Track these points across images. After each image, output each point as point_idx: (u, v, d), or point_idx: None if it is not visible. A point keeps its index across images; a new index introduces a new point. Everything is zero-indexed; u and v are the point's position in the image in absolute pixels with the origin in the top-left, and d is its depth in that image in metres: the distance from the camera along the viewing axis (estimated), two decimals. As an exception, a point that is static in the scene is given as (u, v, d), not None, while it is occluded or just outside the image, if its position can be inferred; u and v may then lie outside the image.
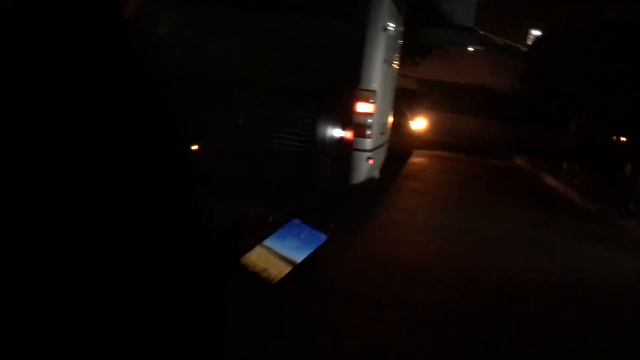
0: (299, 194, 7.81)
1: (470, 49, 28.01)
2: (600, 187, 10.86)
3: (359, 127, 6.99)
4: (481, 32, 29.23)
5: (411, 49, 21.58)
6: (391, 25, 7.41)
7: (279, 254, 1.50)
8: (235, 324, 3.19)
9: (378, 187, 8.26)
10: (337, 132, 6.98)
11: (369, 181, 7.59)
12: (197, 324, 0.96)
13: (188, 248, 0.89)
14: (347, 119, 6.96)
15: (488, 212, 8.73)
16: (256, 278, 1.32)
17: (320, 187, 7.61)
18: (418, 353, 3.69)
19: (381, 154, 8.23)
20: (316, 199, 7.74)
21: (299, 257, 1.48)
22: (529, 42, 27.01)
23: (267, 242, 1.45)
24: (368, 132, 7.06)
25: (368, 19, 6.87)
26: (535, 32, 27.80)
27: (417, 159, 14.38)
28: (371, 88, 7.03)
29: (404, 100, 15.52)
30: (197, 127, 7.10)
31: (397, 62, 8.95)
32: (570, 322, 4.61)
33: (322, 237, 1.51)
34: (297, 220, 1.53)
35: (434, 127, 19.38)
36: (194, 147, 7.23)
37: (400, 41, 8.92)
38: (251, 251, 1.46)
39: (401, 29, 8.65)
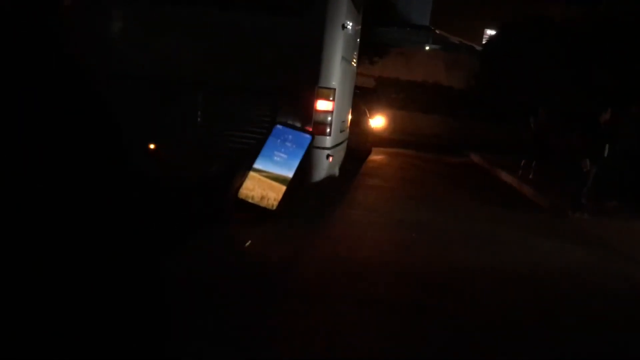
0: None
1: (427, 47, 28.42)
2: (554, 182, 11.16)
3: (318, 125, 6.99)
4: (437, 31, 29.69)
5: (369, 48, 21.79)
6: (349, 23, 7.43)
7: (271, 174, 1.50)
8: (179, 327, 3.10)
9: (337, 184, 8.27)
10: (296, 130, 6.97)
11: (329, 179, 7.59)
12: (137, 327, 0.93)
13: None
14: (306, 117, 6.96)
15: (444, 207, 8.86)
16: (257, 209, 1.33)
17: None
18: (380, 349, 3.71)
19: (340, 152, 8.26)
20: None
21: (290, 171, 1.48)
22: (484, 41, 27.57)
23: (258, 165, 1.45)
24: (328, 130, 7.06)
25: (326, 16, 6.88)
26: (490, 32, 28.42)
27: (376, 157, 14.50)
28: (330, 86, 7.04)
29: (362, 99, 15.65)
30: (153, 127, 7.00)
31: (355, 60, 8.99)
32: (521, 312, 4.73)
33: (308, 137, 1.52)
34: (280, 126, 1.54)
35: (392, 125, 19.59)
36: (151, 147, 7.12)
37: (358, 39, 8.96)
38: (245, 182, 1.45)
39: (359, 27, 8.69)
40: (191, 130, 7.00)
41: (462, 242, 6.81)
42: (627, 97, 9.88)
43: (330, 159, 7.20)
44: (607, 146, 8.79)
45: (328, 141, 7.11)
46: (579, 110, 10.88)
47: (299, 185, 7.28)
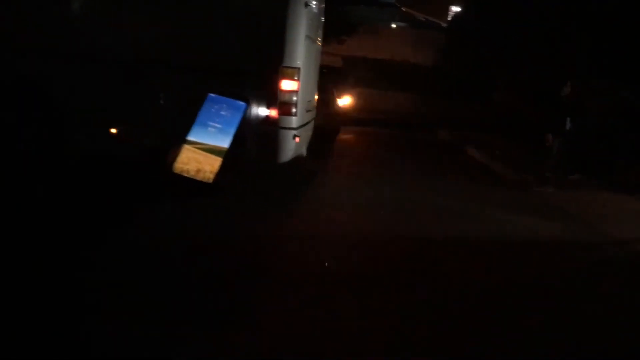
0: (225, 174, 7.68)
1: (393, 25, 28.37)
2: (520, 157, 11.30)
3: (284, 105, 6.89)
4: (403, 9, 29.64)
5: (336, 27, 21.63)
6: (313, 2, 7.32)
7: (206, 146, 1.44)
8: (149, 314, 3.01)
9: (305, 165, 8.22)
10: (261, 111, 6.87)
11: (296, 159, 7.53)
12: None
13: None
14: (271, 98, 6.87)
15: (412, 184, 8.91)
16: (193, 183, 1.29)
17: (246, 167, 7.50)
18: (350, 324, 3.72)
19: (308, 132, 8.18)
20: (243, 179, 7.64)
21: (226, 141, 1.42)
22: (449, 18, 27.64)
23: (191, 137, 1.39)
24: (293, 110, 6.97)
25: (288, -6, 6.75)
26: (455, 8, 28.46)
27: (345, 136, 14.46)
28: (295, 65, 6.93)
29: (330, 78, 15.54)
30: (115, 109, 6.84)
31: (320, 39, 8.87)
32: (489, 283, 4.80)
33: (242, 105, 1.47)
34: (213, 95, 1.49)
35: (361, 104, 19.54)
36: (113, 131, 6.95)
37: (322, 18, 8.84)
38: (180, 155, 1.39)
39: (323, 5, 8.56)
40: (153, 111, 6.84)
41: (431, 217, 6.87)
42: (589, 71, 10.02)
43: (297, 139, 7.12)
44: (568, 120, 8.91)
45: (294, 121, 7.02)
46: (542, 85, 10.98)
47: (266, 166, 7.24)
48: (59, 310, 3.49)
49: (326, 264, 4.87)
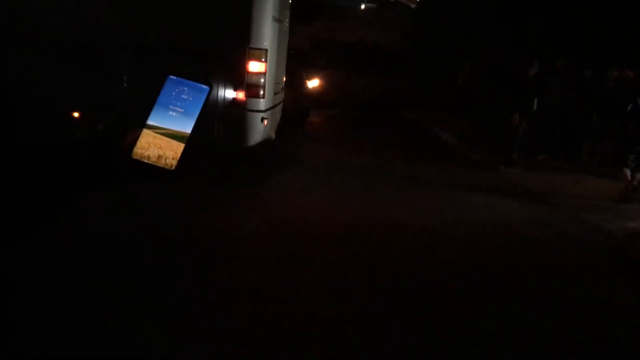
0: (192, 158, 7.57)
1: (362, 7, 28.27)
2: (487, 138, 11.41)
3: (251, 87, 6.81)
4: (372, -10, 29.52)
5: (304, 9, 21.43)
6: (279, -19, 7.21)
7: (167, 130, 1.36)
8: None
9: (274, 147, 8.16)
10: (229, 94, 6.78)
11: (265, 142, 7.46)
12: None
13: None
14: (238, 80, 6.77)
15: (379, 166, 8.93)
16: (155, 170, 1.21)
17: (214, 151, 7.41)
18: (318, 305, 3.72)
19: (276, 115, 8.11)
20: (211, 162, 7.55)
21: (188, 126, 1.35)
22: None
23: (151, 121, 1.31)
24: (261, 92, 6.89)
25: (253, -27, 6.63)
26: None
27: (314, 119, 14.38)
28: (262, 47, 6.84)
29: (298, 60, 15.42)
30: (77, 93, 6.65)
31: (287, 20, 8.77)
32: (453, 264, 4.86)
33: (206, 89, 1.39)
34: (173, 77, 1.39)
35: (330, 86, 19.45)
36: (75, 115, 6.77)
37: (290, -2, 8.74)
38: (139, 140, 1.31)
39: (290, -15, 8.46)
40: (117, 95, 6.68)
41: (395, 199, 6.90)
42: (555, 52, 10.14)
43: (265, 122, 7.05)
44: (535, 100, 9.02)
45: (262, 104, 6.95)
46: (508, 66, 11.09)
47: (233, 149, 7.16)
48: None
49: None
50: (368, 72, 23.74)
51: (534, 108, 9.10)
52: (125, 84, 6.70)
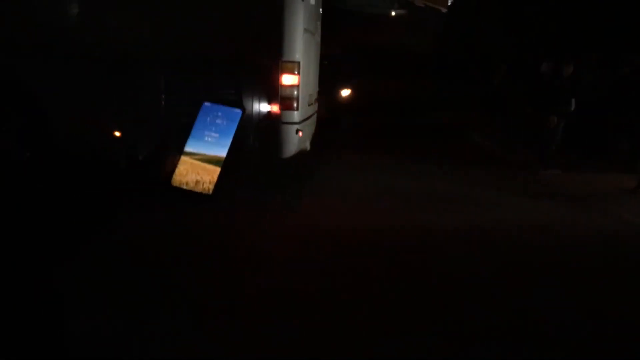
0: (229, 171, 7.74)
1: (393, 13, 28.24)
2: (523, 139, 11.25)
3: (285, 100, 6.94)
4: (402, -4, 29.46)
5: (335, 17, 21.56)
6: (310, -6, 7.33)
7: (204, 156, 1.47)
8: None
9: (309, 158, 8.26)
10: (263, 107, 6.92)
11: (300, 153, 7.58)
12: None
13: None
14: (272, 93, 6.91)
15: (416, 171, 8.93)
16: (193, 195, 1.31)
17: (250, 163, 7.56)
18: (357, 317, 3.77)
19: (310, 126, 8.22)
20: (248, 174, 7.70)
21: (223, 150, 1.45)
22: (449, 3, 27.48)
23: (188, 148, 1.42)
24: (295, 105, 7.01)
25: (285, -12, 6.76)
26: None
27: (347, 126, 14.47)
28: (295, 59, 6.96)
29: (330, 69, 15.53)
30: (116, 110, 6.89)
31: (319, 31, 8.88)
32: (494, 269, 4.84)
33: (238, 112, 1.50)
34: (208, 104, 1.52)
35: (363, 93, 19.50)
36: (117, 134, 7.00)
37: (320, 10, 8.85)
38: (177, 167, 1.42)
39: (320, -3, 8.57)
40: (155, 109, 6.89)
41: (435, 205, 6.90)
42: (586, 48, 9.95)
43: (300, 133, 7.16)
44: (573, 100, 8.88)
45: (296, 116, 7.07)
46: (534, 66, 10.93)
47: (270, 160, 7.29)
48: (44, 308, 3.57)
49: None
50: (401, 77, 23.72)
51: (572, 109, 8.95)
52: (162, 100, 6.91)
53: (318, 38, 8.85)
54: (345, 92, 16.47)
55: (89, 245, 4.75)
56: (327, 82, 13.52)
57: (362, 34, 24.95)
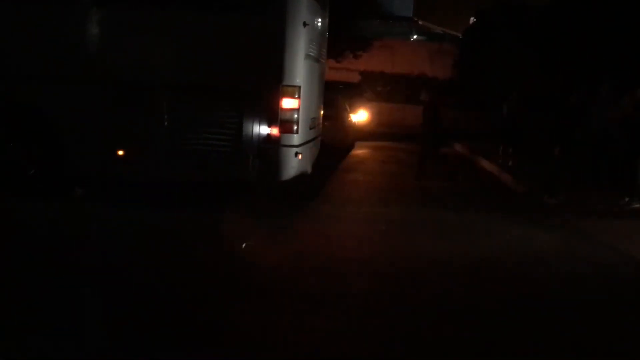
0: (229, 193, 7.82)
1: (411, 39, 28.44)
2: (531, 168, 11.16)
3: (285, 123, 7.02)
4: (420, 22, 29.69)
5: (352, 43, 21.77)
6: (312, 20, 7.44)
7: None
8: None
9: (310, 181, 8.30)
10: (263, 130, 7.00)
11: (301, 176, 7.62)
12: None
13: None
14: (272, 116, 6.99)
15: (422, 199, 8.90)
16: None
17: (250, 186, 7.63)
18: (346, 344, 3.75)
19: (312, 149, 8.27)
20: (247, 197, 7.76)
21: None
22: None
23: None
24: (295, 128, 7.08)
25: (287, 14, 6.89)
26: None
27: (358, 151, 14.52)
28: (295, 84, 7.06)
29: (345, 94, 15.65)
30: (119, 132, 7.03)
31: (324, 57, 8.99)
32: (485, 300, 4.75)
33: None
34: None
35: (377, 118, 19.56)
36: (120, 153, 7.13)
37: (326, 34, 8.97)
38: None
39: (325, 22, 8.68)
40: (158, 132, 7.02)
41: (435, 232, 6.86)
42: (596, 79, 9.86)
43: (300, 156, 7.21)
44: (578, 130, 8.80)
45: (296, 139, 7.13)
46: (550, 94, 10.89)
47: (268, 183, 7.36)
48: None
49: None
50: (417, 103, 23.74)
51: (578, 138, 8.86)
52: (165, 122, 7.04)
53: (323, 63, 8.95)
54: (360, 117, 16.55)
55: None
56: (339, 105, 13.68)
57: (380, 59, 25.11)
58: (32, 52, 6.98)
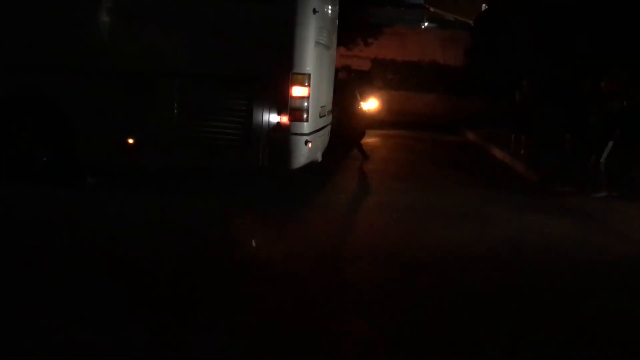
0: (240, 181, 7.83)
1: (422, 26, 28.19)
2: (544, 156, 11.05)
3: (295, 111, 6.99)
4: (432, 9, 29.42)
5: (363, 30, 21.63)
6: (322, 7, 7.39)
7: None
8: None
9: (321, 169, 8.28)
10: (273, 118, 6.98)
11: (311, 164, 7.61)
12: None
13: None
14: (282, 104, 6.97)
15: (434, 188, 8.84)
16: None
17: (260, 174, 7.64)
18: (360, 337, 3.75)
19: (322, 137, 8.24)
20: (257, 185, 7.77)
21: None
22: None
23: None
24: (305, 116, 7.05)
25: (296, 1, 6.84)
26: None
27: (369, 139, 14.34)
28: (305, 71, 7.02)
29: (356, 82, 15.54)
30: (130, 121, 7.05)
31: (334, 44, 8.92)
32: (496, 288, 4.74)
33: None
34: None
35: (389, 106, 19.46)
36: (130, 142, 7.15)
37: (336, 22, 8.90)
38: None
39: (335, 10, 8.60)
40: (168, 121, 7.02)
41: (447, 221, 6.81)
42: (611, 66, 9.71)
43: (310, 144, 7.19)
44: (591, 119, 8.68)
45: (306, 127, 7.11)
46: (563, 82, 10.75)
47: (279, 171, 7.36)
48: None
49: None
50: (428, 91, 23.59)
51: (591, 126, 8.74)
52: (175, 110, 7.04)
53: (333, 51, 8.89)
54: (371, 105, 16.45)
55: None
56: (349, 93, 13.60)
57: (391, 47, 24.94)
58: (43, 41, 6.98)
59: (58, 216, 5.87)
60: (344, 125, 11.04)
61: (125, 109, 6.99)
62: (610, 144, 8.29)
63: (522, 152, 11.91)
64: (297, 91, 6.98)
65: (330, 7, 8.11)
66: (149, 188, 7.29)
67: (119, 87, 6.98)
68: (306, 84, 7.02)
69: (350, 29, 17.37)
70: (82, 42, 7.00)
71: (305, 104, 7.04)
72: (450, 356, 3.56)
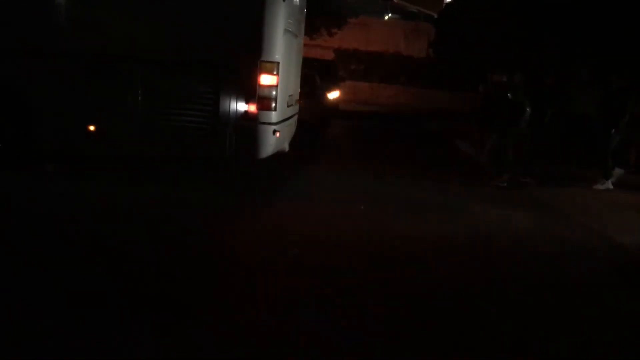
0: (205, 170, 7.70)
1: (386, 17, 28.29)
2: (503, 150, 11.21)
3: (263, 100, 6.87)
4: (395, 0, 29.54)
5: (326, 20, 21.54)
6: (292, -5, 7.29)
7: None
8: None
9: (288, 159, 8.21)
10: (241, 106, 6.86)
11: (278, 154, 7.53)
12: None
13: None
14: (250, 92, 6.85)
15: (396, 179, 8.86)
16: None
17: (226, 163, 7.51)
18: (320, 321, 3.71)
19: (290, 127, 8.16)
20: (223, 174, 7.65)
21: None
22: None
23: None
24: (273, 105, 6.94)
25: (265, -12, 6.71)
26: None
27: (333, 130, 14.43)
28: (274, 59, 6.90)
29: (319, 71, 15.50)
30: (91, 107, 6.83)
31: (302, 33, 8.83)
32: (459, 279, 4.78)
33: None
34: None
35: (352, 97, 19.57)
36: (91, 128, 6.92)
37: (304, 11, 8.80)
38: None
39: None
40: (131, 107, 6.83)
41: (410, 212, 6.83)
42: (575, 63, 9.95)
43: (277, 134, 7.10)
44: (548, 112, 8.86)
45: (274, 116, 7.00)
46: (527, 75, 10.93)
47: (246, 160, 7.25)
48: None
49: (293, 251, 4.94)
50: (391, 82, 23.77)
51: (547, 119, 8.93)
52: (139, 97, 6.84)
53: (301, 40, 8.79)
54: (334, 95, 16.45)
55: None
56: (314, 83, 13.54)
57: (356, 37, 24.98)
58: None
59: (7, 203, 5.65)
60: (309, 115, 11.02)
61: (85, 94, 6.75)
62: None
63: (484, 144, 12.06)
64: (266, 79, 6.87)
65: (298, -5, 8.01)
66: (110, 176, 7.08)
67: (78, 72, 6.74)
68: (275, 72, 6.90)
69: (314, 17, 17.28)
70: (39, 23, 6.72)
71: (274, 92, 6.93)
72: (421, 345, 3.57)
